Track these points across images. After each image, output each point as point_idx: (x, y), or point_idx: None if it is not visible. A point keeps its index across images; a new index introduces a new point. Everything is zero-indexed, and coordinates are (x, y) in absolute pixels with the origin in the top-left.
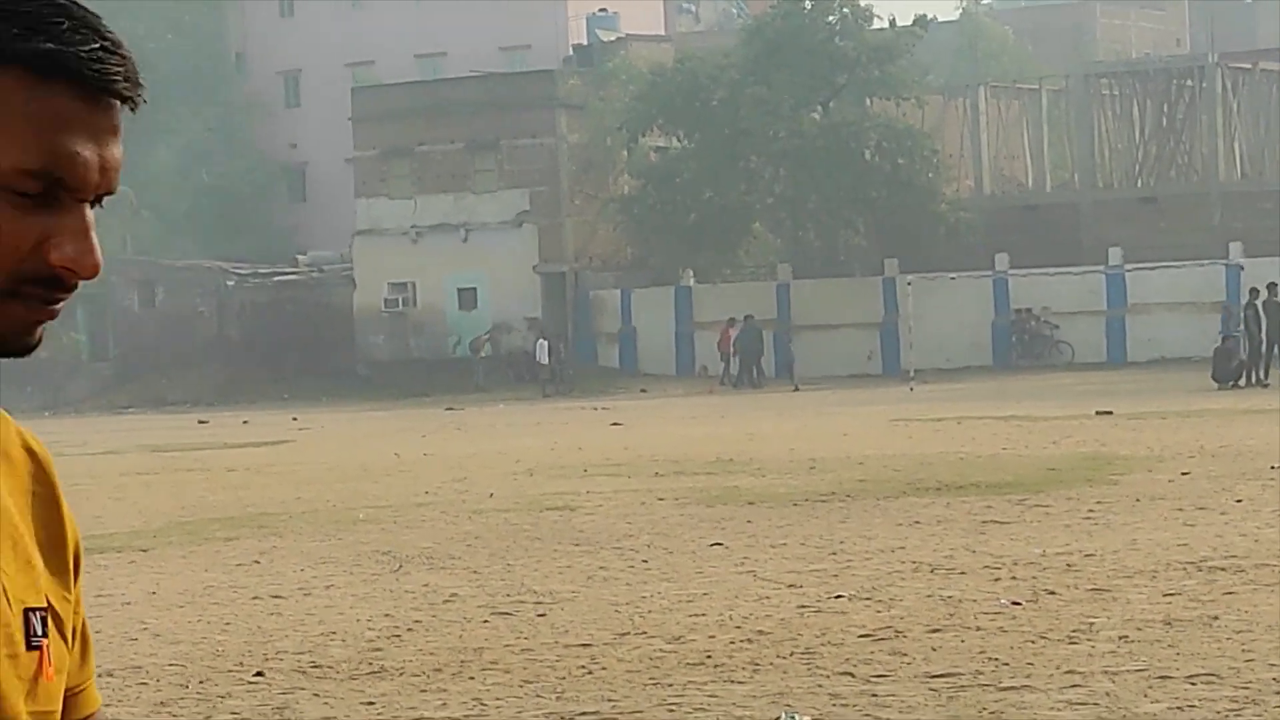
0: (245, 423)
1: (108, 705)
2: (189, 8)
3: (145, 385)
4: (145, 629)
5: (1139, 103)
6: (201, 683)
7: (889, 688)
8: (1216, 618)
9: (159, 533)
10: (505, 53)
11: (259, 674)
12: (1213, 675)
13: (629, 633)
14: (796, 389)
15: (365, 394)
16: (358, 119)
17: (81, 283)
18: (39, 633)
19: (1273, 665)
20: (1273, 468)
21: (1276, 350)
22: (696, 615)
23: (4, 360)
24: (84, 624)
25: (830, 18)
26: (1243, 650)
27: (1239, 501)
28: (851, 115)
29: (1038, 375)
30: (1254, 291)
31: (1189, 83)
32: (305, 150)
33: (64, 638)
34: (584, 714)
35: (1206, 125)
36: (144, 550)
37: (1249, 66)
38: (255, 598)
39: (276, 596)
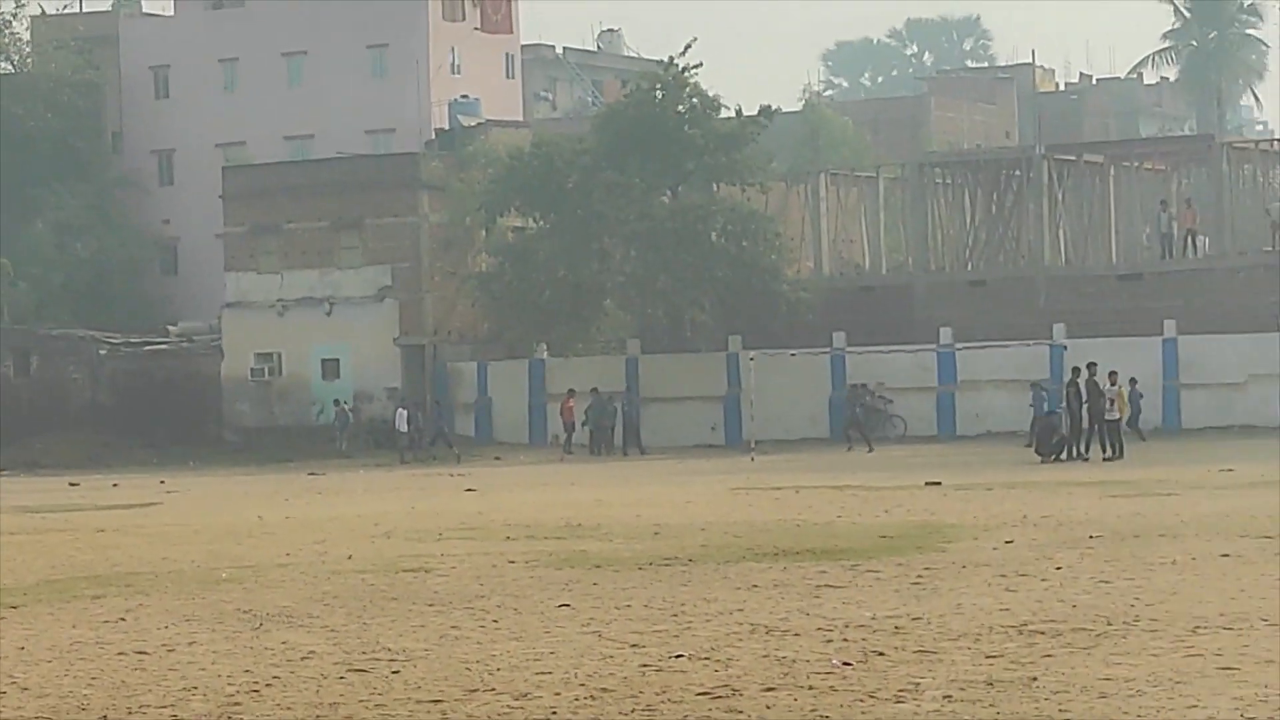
0: (115, 486)
1: None
2: (67, 88)
3: (19, 449)
4: (14, 683)
5: (970, 191)
6: None
7: None
8: (1035, 679)
9: (29, 590)
10: (370, 135)
11: None
12: None
13: (478, 689)
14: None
15: (232, 459)
16: (228, 197)
17: None
18: None
19: None
20: (1091, 537)
21: (1093, 426)
22: (543, 673)
23: None
24: None
25: (680, 107)
26: (1059, 710)
27: (1059, 569)
28: (699, 199)
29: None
30: (1075, 370)
31: (1017, 173)
32: (177, 226)
33: None
34: None
35: (1033, 213)
36: (14, 607)
37: (1073, 158)
38: (120, 653)
39: (141, 652)
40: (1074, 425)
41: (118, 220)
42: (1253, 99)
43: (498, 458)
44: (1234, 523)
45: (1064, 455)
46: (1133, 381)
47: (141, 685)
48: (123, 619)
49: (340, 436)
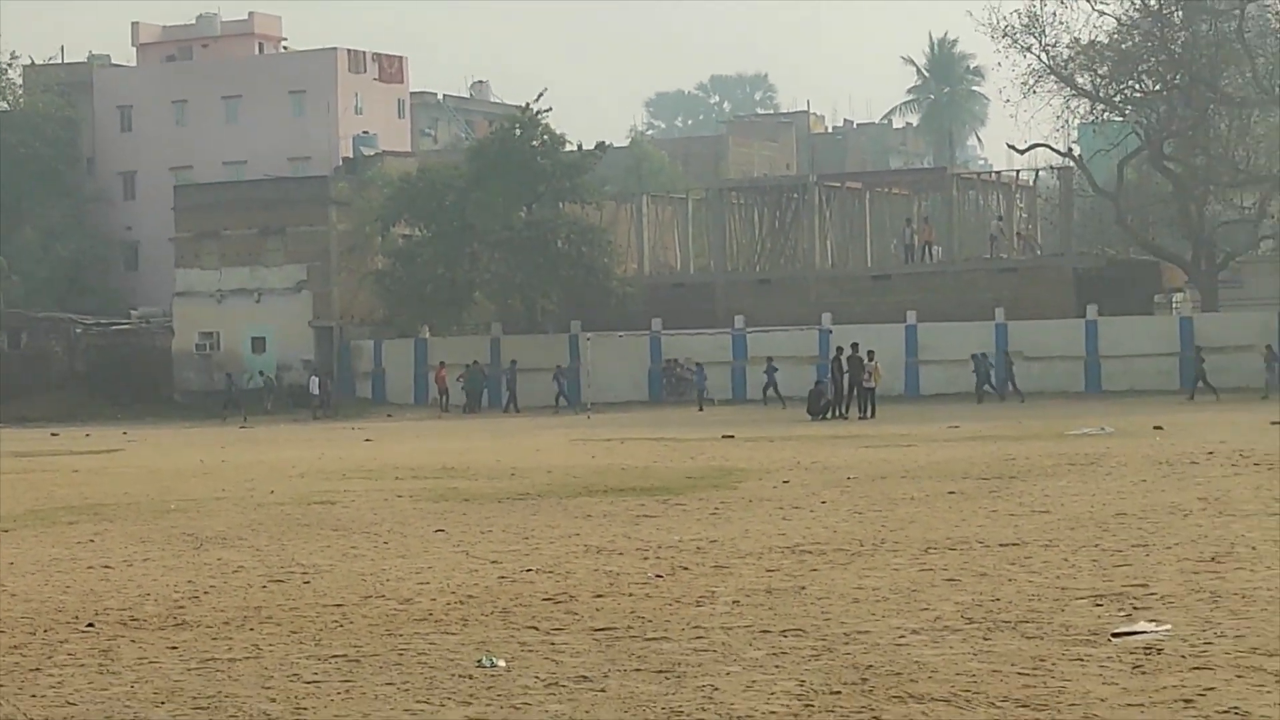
0: (88, 435)
1: None
2: (51, 122)
3: (11, 407)
4: (3, 590)
5: (758, 210)
6: (46, 631)
7: (564, 638)
8: (804, 588)
9: (17, 518)
10: (291, 162)
11: (90, 625)
12: (800, 630)
13: (372, 596)
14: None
15: (180, 416)
16: (178, 209)
17: None
18: None
19: (844, 623)
20: (849, 478)
21: (854, 392)
22: (423, 583)
23: None
24: None
25: (534, 142)
26: (822, 613)
27: (823, 503)
28: (548, 215)
29: (682, 409)
30: (840, 349)
31: (795, 196)
32: (138, 232)
33: None
34: (336, 656)
35: (807, 227)
36: (6, 531)
37: (838, 185)
38: (89, 567)
39: (106, 566)
40: (836, 392)
41: (91, 227)
42: (976, 140)
43: (389, 415)
44: (958, 467)
45: (829, 415)
46: (1006, 353)
47: (106, 592)
48: (91, 540)
49: (266, 398)
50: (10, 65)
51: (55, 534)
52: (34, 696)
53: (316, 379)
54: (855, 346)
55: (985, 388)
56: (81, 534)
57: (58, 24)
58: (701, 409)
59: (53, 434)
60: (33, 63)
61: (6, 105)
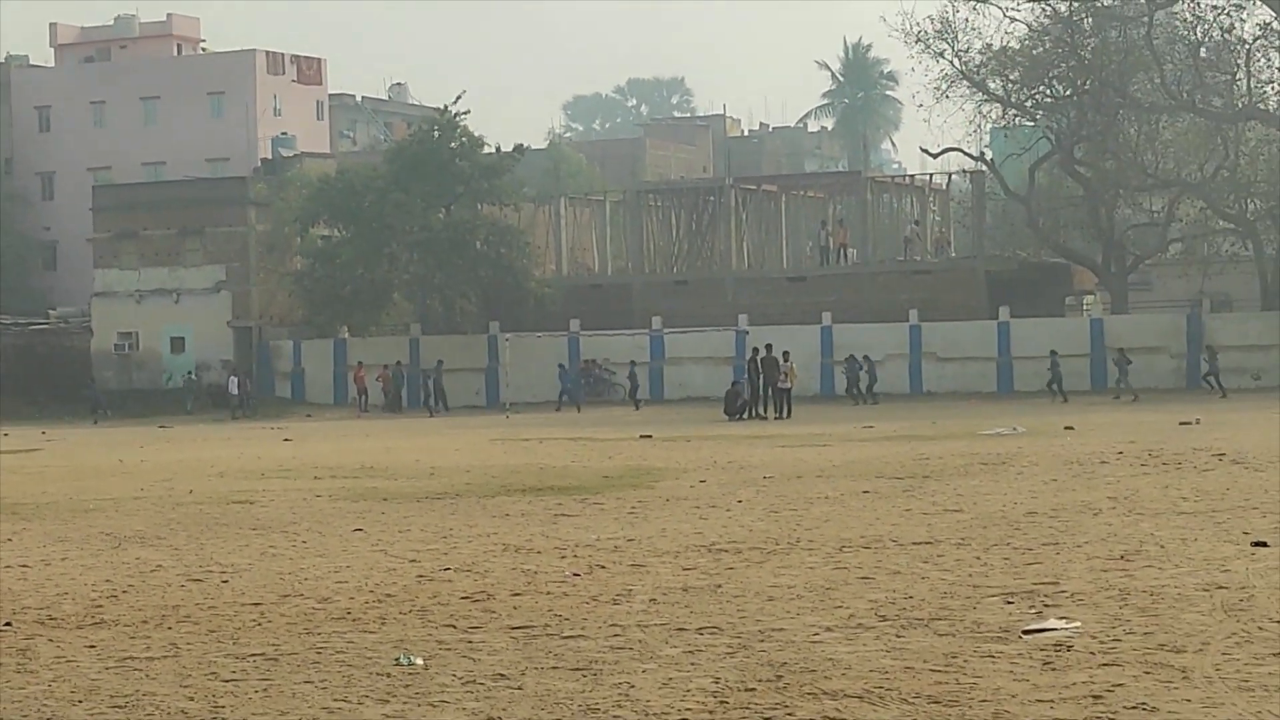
0: (6, 435)
1: None
2: None
3: None
4: None
5: (675, 212)
6: None
7: (482, 636)
8: (720, 586)
9: None
10: (210, 163)
11: (8, 624)
12: (716, 628)
13: (290, 595)
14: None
15: (106, 414)
16: (97, 209)
17: None
18: None
19: (759, 621)
20: (765, 478)
21: (768, 392)
22: (341, 582)
23: None
24: None
25: (452, 144)
26: (737, 610)
27: (740, 502)
28: (467, 216)
29: (599, 409)
30: (755, 350)
31: (711, 198)
32: (56, 232)
33: None
34: (254, 655)
35: (723, 229)
36: None
37: (755, 187)
38: (7, 566)
39: (24, 565)
40: (753, 392)
41: (8, 227)
42: (891, 144)
43: (309, 415)
44: (872, 467)
45: (745, 415)
46: (1054, 354)
47: (24, 591)
48: (9, 540)
49: (187, 399)
50: None
51: None
52: None
53: (235, 379)
54: (769, 348)
55: (855, 390)
56: None
57: None
58: (638, 408)
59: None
60: None
61: None
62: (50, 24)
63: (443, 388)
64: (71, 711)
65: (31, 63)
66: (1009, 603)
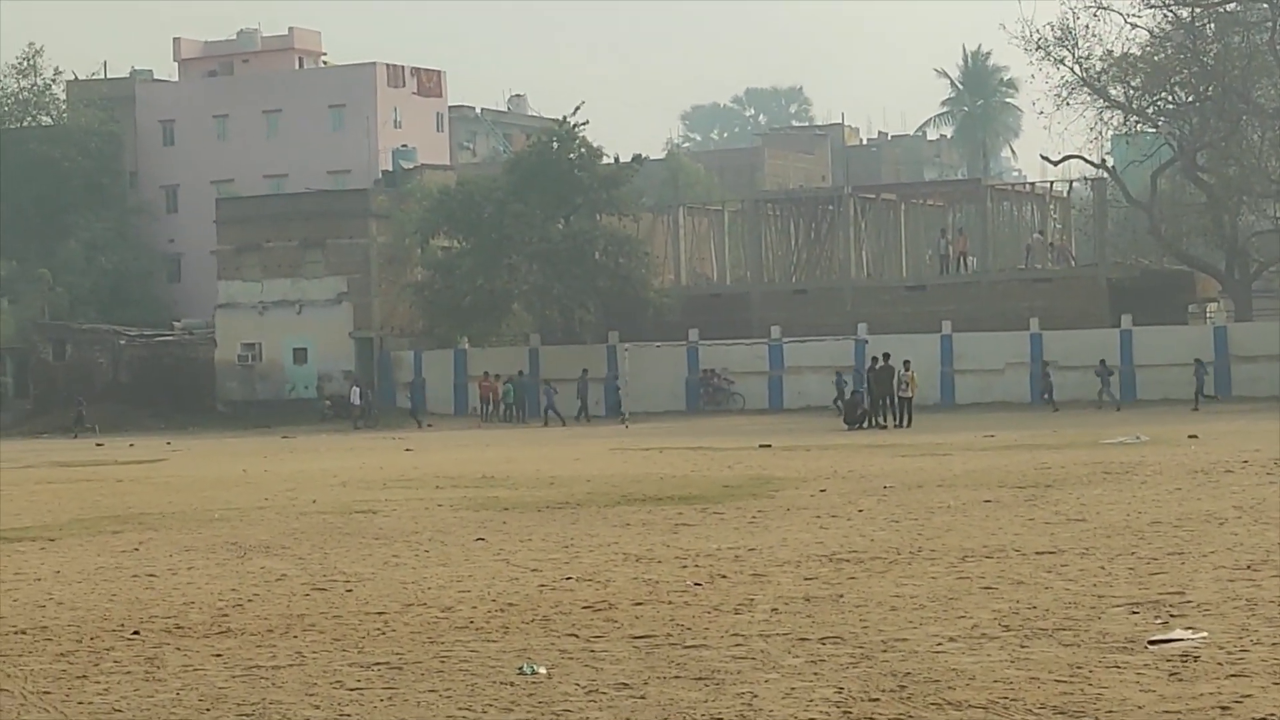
0: (131, 445)
1: (21, 656)
2: (94, 137)
3: (57, 417)
4: (51, 599)
5: (794, 221)
6: (92, 639)
7: (604, 645)
8: (842, 596)
9: (64, 526)
10: (332, 175)
11: (136, 633)
12: (838, 637)
13: (413, 604)
14: (562, 422)
15: (222, 426)
16: (220, 222)
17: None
18: None
19: (881, 631)
20: (885, 487)
21: (887, 402)
22: (463, 591)
23: None
24: None
25: (571, 155)
26: (860, 620)
27: (860, 511)
28: (586, 226)
29: (718, 418)
30: (874, 359)
31: (830, 207)
32: (180, 244)
33: None
34: (379, 663)
35: (842, 238)
36: (52, 540)
37: (873, 196)
38: (134, 576)
39: (151, 575)
40: (872, 402)
41: (134, 240)
42: (1010, 152)
43: (429, 425)
44: (994, 476)
45: (865, 424)
46: (1198, 361)
47: (151, 600)
48: (136, 549)
49: (325, 411)
50: (54, 81)
51: (101, 543)
52: (81, 704)
53: (357, 389)
54: (887, 357)
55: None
56: (127, 543)
57: (101, 40)
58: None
59: (98, 444)
60: (76, 78)
61: (51, 120)
62: (174, 39)
63: (555, 407)
64: (199, 719)
65: (156, 77)
66: (1134, 613)
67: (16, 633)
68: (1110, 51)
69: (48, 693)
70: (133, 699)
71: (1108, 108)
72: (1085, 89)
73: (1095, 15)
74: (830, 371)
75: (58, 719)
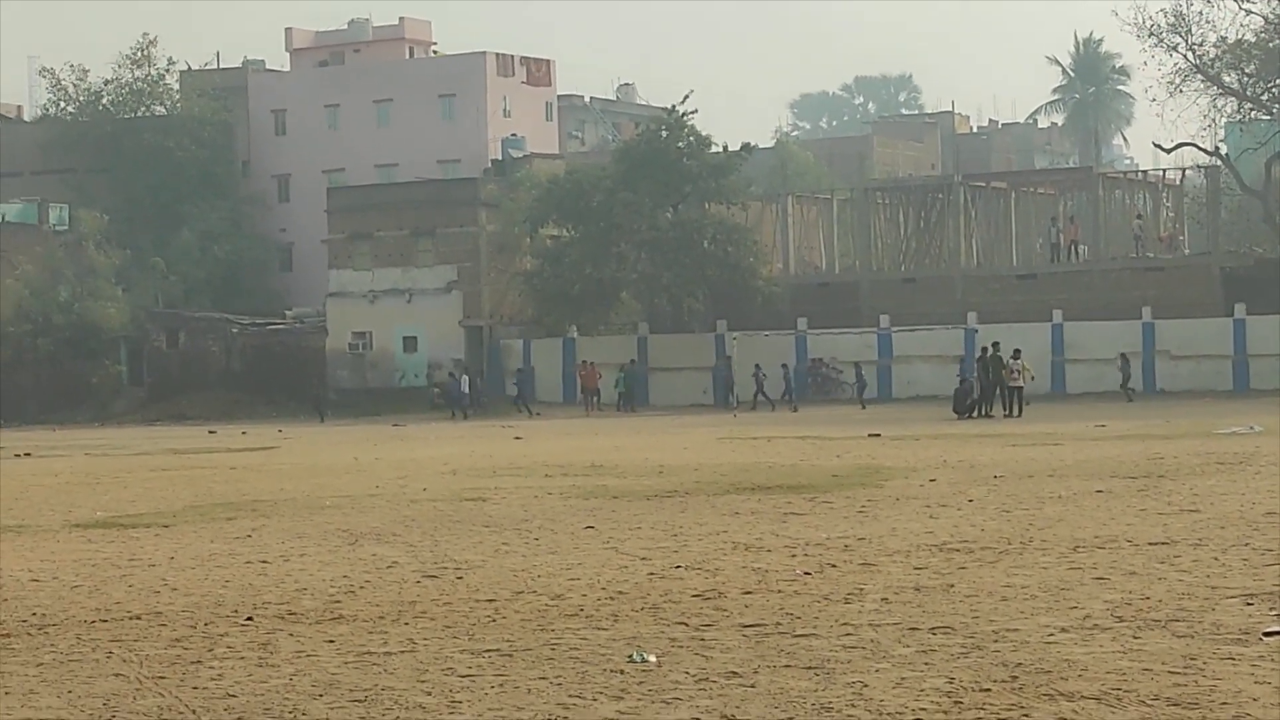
0: (244, 433)
1: (136, 641)
2: (207, 127)
3: (170, 405)
4: (165, 584)
5: (903, 209)
6: (206, 624)
7: (713, 634)
8: (952, 585)
9: (178, 513)
10: (441, 164)
11: (249, 619)
12: (949, 627)
13: (524, 591)
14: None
15: (333, 413)
16: (331, 211)
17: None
18: None
19: (993, 620)
20: (995, 477)
21: (998, 391)
22: (573, 579)
23: (61, 383)
24: None
25: (680, 144)
26: (970, 610)
27: (970, 501)
28: (694, 215)
29: (827, 407)
30: (985, 349)
31: (940, 196)
32: (292, 233)
33: None
34: (489, 651)
35: (952, 227)
36: (166, 526)
37: (983, 184)
38: (248, 562)
39: (264, 561)
40: (983, 390)
41: (246, 229)
42: (1122, 140)
43: (539, 413)
44: (1105, 466)
45: (975, 414)
46: (1124, 356)
47: (264, 587)
48: (249, 536)
49: (438, 399)
50: (168, 71)
51: (214, 529)
52: (195, 688)
53: (467, 378)
54: (996, 346)
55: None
56: (240, 529)
57: (213, 30)
58: (864, 408)
59: (210, 431)
60: (189, 68)
61: (164, 110)
62: (286, 29)
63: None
64: (312, 705)
65: (268, 67)
66: (1249, 604)
67: (132, 618)
68: (1224, 38)
69: (162, 677)
70: (246, 684)
71: (1221, 95)
72: (1199, 76)
73: (1209, 2)
74: (941, 361)
75: (172, 703)
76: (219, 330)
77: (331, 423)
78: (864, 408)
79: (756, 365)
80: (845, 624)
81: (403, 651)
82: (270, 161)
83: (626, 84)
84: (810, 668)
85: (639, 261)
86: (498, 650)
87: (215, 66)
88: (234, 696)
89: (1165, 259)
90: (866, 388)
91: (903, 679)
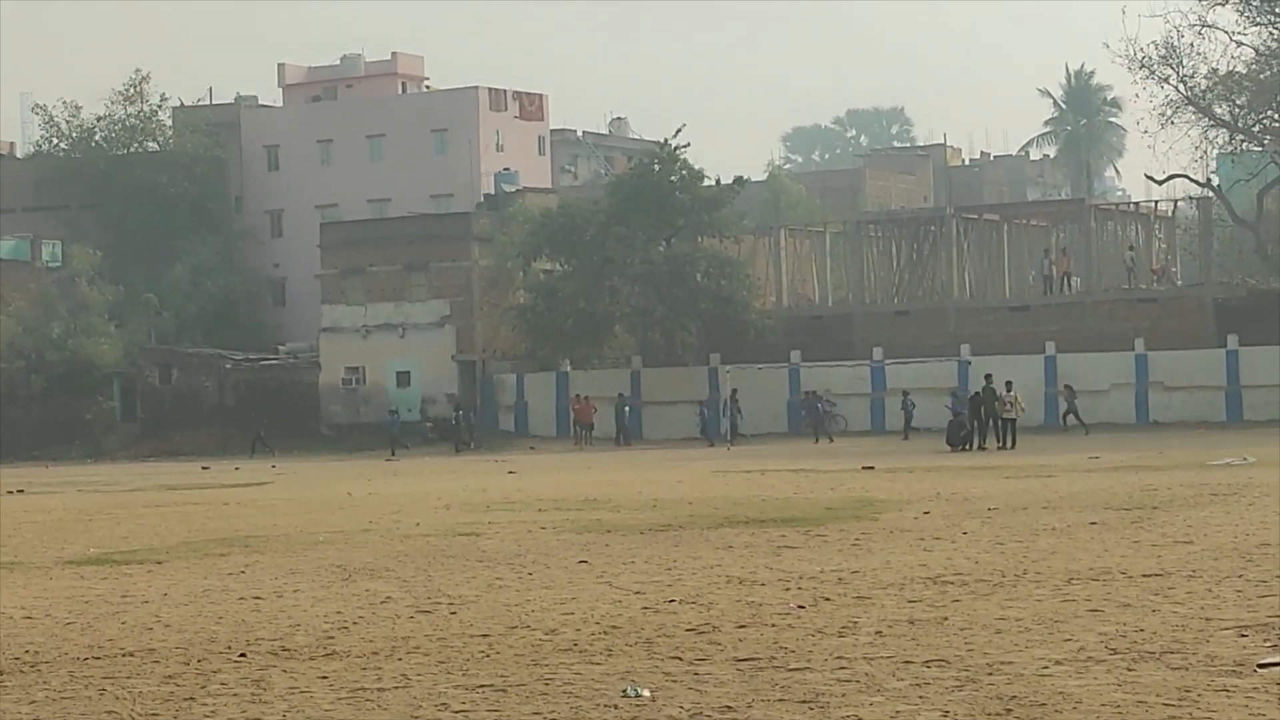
0: (237, 469)
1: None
2: (200, 162)
3: (163, 441)
4: (158, 621)
5: (896, 242)
6: (199, 661)
7: (707, 668)
8: (946, 619)
9: (170, 549)
10: (434, 199)
11: (242, 655)
12: (943, 660)
13: (517, 626)
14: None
15: (327, 448)
16: (324, 246)
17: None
18: None
19: (987, 654)
20: (989, 509)
21: (991, 423)
22: (567, 614)
23: (54, 419)
24: None
25: (672, 177)
26: (965, 643)
27: (964, 534)
28: (687, 248)
29: (820, 440)
30: (987, 378)
31: (932, 228)
32: (285, 269)
33: None
34: (483, 686)
35: (944, 259)
36: (159, 562)
37: (975, 216)
38: (241, 598)
39: (257, 597)
40: (977, 423)
41: (239, 264)
42: (1114, 171)
43: (532, 448)
44: (1099, 498)
45: (968, 446)
46: (1069, 388)
47: (257, 623)
48: (242, 571)
49: (429, 435)
50: (160, 107)
51: (207, 565)
52: None
53: (460, 413)
54: (989, 378)
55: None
56: (233, 565)
57: (206, 67)
58: (831, 440)
59: (203, 467)
60: (182, 104)
61: (157, 146)
62: (278, 64)
63: (626, 425)
64: None
65: (261, 102)
66: (1243, 636)
67: (124, 655)
68: (1215, 70)
69: (155, 715)
70: None
71: (1213, 126)
72: (1190, 108)
73: (1200, 33)
74: (934, 394)
75: None
76: (212, 366)
77: (324, 458)
78: (906, 438)
79: (734, 391)
80: (839, 657)
81: (396, 687)
82: (263, 197)
83: (619, 118)
84: (804, 701)
85: (632, 295)
86: (491, 686)
87: (208, 102)
88: None
89: (1158, 290)
90: (911, 418)
91: (897, 712)
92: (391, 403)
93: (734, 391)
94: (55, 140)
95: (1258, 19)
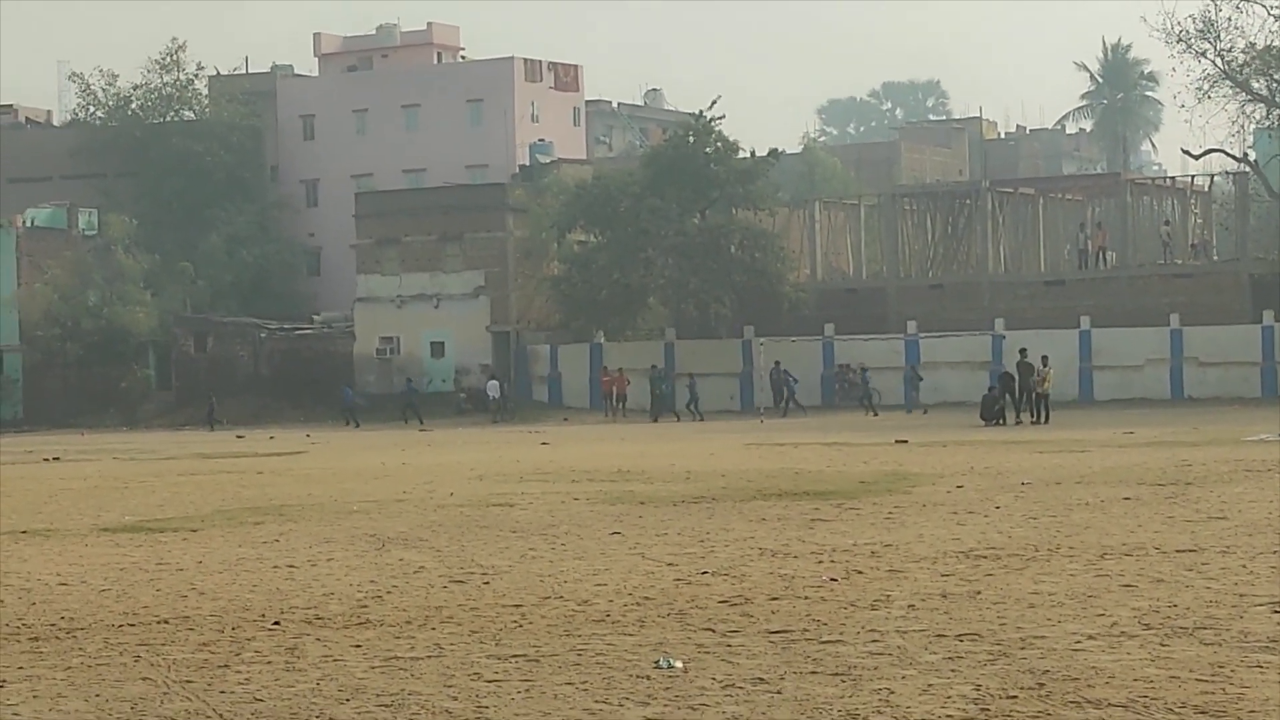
0: (271, 438)
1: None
2: (236, 131)
3: (198, 409)
4: (193, 589)
5: (931, 215)
6: (234, 629)
7: (740, 640)
8: (979, 592)
9: (205, 518)
10: (469, 169)
11: (276, 623)
12: (976, 634)
13: (550, 597)
14: (699, 418)
15: (361, 418)
16: (360, 216)
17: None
18: None
19: (1019, 628)
20: (1023, 483)
21: (1025, 398)
22: (599, 585)
23: (90, 387)
24: None
25: (707, 149)
26: (997, 617)
27: (997, 508)
28: (721, 220)
29: (854, 413)
30: (1022, 352)
31: (968, 202)
32: (320, 238)
33: None
34: (515, 656)
35: (979, 233)
36: (194, 530)
37: (1011, 190)
38: (275, 567)
39: (291, 566)
40: (1012, 396)
41: (274, 234)
42: (1151, 146)
43: (566, 419)
44: (1133, 473)
45: (1002, 420)
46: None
47: (291, 591)
48: (276, 540)
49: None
50: (196, 76)
51: (242, 534)
52: (222, 693)
53: (495, 383)
54: (1024, 352)
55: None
56: (267, 534)
57: (242, 35)
58: (876, 414)
59: (238, 436)
60: (218, 73)
61: (193, 115)
62: (314, 34)
63: (698, 395)
64: (339, 710)
65: (296, 72)
66: (1277, 612)
67: (160, 622)
68: (1253, 44)
69: (190, 682)
70: (273, 688)
71: (1250, 101)
72: (1227, 82)
73: (1238, 8)
74: (968, 367)
75: (199, 707)
76: (247, 335)
77: (359, 428)
78: (875, 414)
79: (785, 370)
80: (872, 630)
81: (429, 657)
82: (298, 166)
83: (654, 89)
84: (837, 674)
85: (666, 267)
86: (524, 656)
87: (244, 71)
88: (261, 701)
89: (1193, 265)
90: (869, 394)
91: (929, 686)
92: (424, 373)
93: (777, 363)
94: (92, 109)
95: None
